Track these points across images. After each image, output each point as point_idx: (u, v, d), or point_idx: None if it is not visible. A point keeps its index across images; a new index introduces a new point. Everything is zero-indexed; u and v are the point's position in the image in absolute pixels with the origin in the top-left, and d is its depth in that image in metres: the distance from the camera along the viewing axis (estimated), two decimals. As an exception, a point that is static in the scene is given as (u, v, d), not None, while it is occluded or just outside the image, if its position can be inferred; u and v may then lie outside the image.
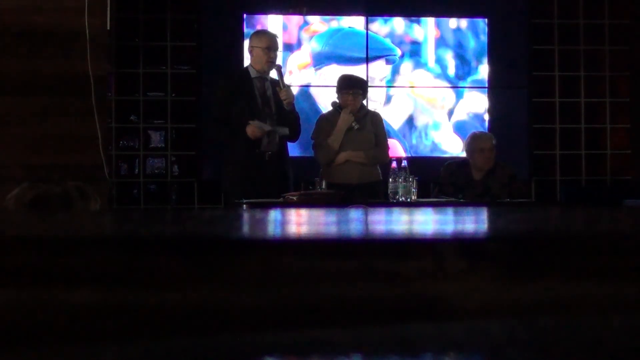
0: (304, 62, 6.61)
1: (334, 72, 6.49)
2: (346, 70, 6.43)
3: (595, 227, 0.82)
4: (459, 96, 6.75)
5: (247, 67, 5.10)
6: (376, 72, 6.64)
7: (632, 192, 6.15)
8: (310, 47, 6.60)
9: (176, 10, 6.49)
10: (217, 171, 5.73)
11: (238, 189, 4.84)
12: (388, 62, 6.67)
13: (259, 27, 6.46)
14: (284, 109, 4.95)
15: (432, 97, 6.73)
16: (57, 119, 5.03)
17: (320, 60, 6.60)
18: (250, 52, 5.05)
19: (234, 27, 6.47)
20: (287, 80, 5.38)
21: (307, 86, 6.56)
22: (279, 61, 5.15)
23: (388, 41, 6.69)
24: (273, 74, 5.05)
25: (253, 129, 4.81)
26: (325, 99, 6.47)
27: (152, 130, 6.49)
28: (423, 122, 6.71)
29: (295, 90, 6.57)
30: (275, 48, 5.02)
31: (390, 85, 6.69)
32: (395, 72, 6.69)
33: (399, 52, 6.68)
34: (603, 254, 0.59)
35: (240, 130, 4.83)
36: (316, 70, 6.58)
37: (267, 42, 4.98)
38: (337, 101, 5.19)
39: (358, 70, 6.43)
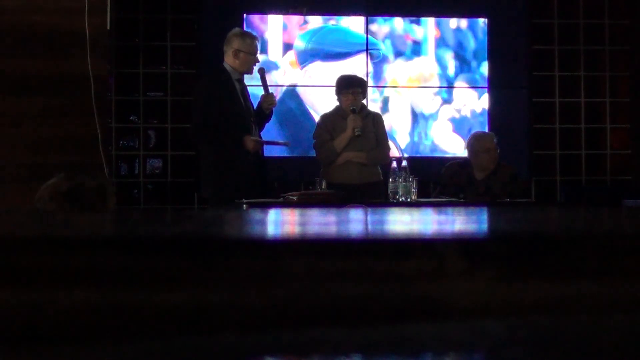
0: (290, 58, 6.61)
1: (320, 69, 6.49)
2: (332, 66, 6.44)
3: (595, 227, 0.82)
4: (459, 96, 6.75)
5: (224, 68, 4.93)
6: (359, 67, 6.62)
7: (632, 192, 6.15)
8: (295, 45, 6.60)
9: (176, 10, 6.49)
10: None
11: (223, 189, 4.79)
12: (372, 57, 6.67)
13: (259, 28, 6.47)
14: (260, 109, 4.97)
15: (431, 97, 6.73)
16: (57, 119, 5.04)
17: (305, 58, 6.59)
18: (235, 54, 4.94)
19: (234, 27, 6.48)
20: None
21: (294, 86, 6.55)
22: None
23: (372, 37, 6.68)
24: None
25: (254, 143, 4.78)
26: (313, 98, 6.47)
27: (152, 130, 6.49)
28: (423, 122, 6.71)
29: (281, 91, 6.57)
30: (258, 52, 5.03)
31: (390, 85, 6.69)
32: (395, 71, 6.69)
33: (382, 47, 6.68)
34: (603, 254, 0.59)
35: (230, 132, 4.79)
36: (302, 68, 6.57)
37: (254, 48, 4.94)
38: (341, 104, 5.18)
39: (343, 66, 6.43)
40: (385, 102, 6.67)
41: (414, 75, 6.72)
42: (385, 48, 6.69)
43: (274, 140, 5.14)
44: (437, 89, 6.73)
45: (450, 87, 6.73)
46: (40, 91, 5.02)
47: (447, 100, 6.73)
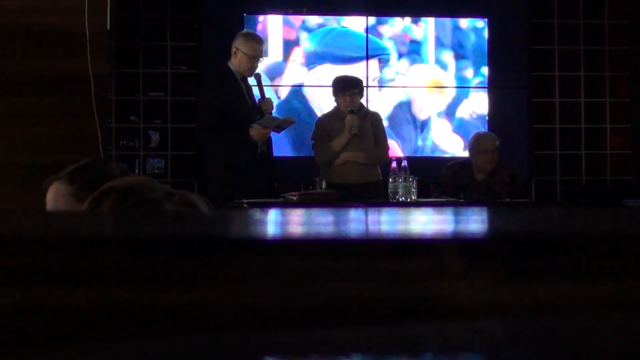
0: (296, 59, 6.60)
1: (328, 71, 6.49)
2: (340, 69, 6.43)
3: (595, 227, 0.82)
4: (459, 96, 6.75)
5: (228, 67, 4.94)
6: (369, 71, 6.64)
7: (632, 192, 6.15)
8: (303, 46, 6.60)
9: (176, 10, 6.49)
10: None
11: (231, 189, 4.79)
12: (381, 61, 6.67)
13: (259, 27, 6.46)
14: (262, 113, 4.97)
15: (432, 97, 6.73)
16: (57, 119, 5.03)
17: (314, 59, 6.59)
18: (234, 53, 4.92)
19: (234, 27, 6.47)
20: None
21: (300, 86, 6.55)
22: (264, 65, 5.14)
23: (381, 41, 6.68)
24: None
25: (258, 132, 4.77)
26: (319, 99, 6.47)
27: (152, 130, 6.49)
28: (423, 122, 6.71)
29: (287, 90, 6.58)
30: (260, 57, 4.95)
31: (390, 85, 6.69)
32: (395, 72, 6.69)
33: (392, 51, 6.68)
34: (603, 254, 0.59)
35: (237, 131, 4.79)
36: (310, 69, 6.57)
37: (253, 52, 4.89)
38: (339, 106, 5.18)
39: (353, 70, 6.43)
40: (386, 102, 6.66)
41: (414, 75, 6.71)
42: (393, 51, 6.69)
43: (278, 121, 4.95)
44: (437, 89, 6.73)
45: (450, 87, 6.73)
46: (40, 91, 5.02)
47: (447, 101, 6.73)
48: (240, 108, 4.85)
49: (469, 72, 6.75)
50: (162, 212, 1.55)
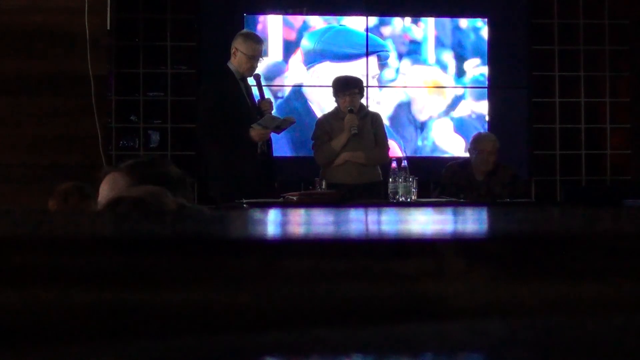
0: (296, 58, 6.60)
1: (328, 69, 6.49)
2: (340, 67, 6.44)
3: (595, 227, 0.82)
4: (459, 96, 6.75)
5: (228, 67, 4.94)
6: (369, 69, 6.64)
7: (632, 192, 6.15)
8: (302, 45, 6.60)
9: (176, 10, 6.49)
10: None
11: (231, 189, 4.80)
12: (380, 58, 6.67)
13: (259, 27, 6.46)
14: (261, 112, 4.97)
15: (432, 97, 6.73)
16: (57, 119, 5.04)
17: (314, 58, 6.59)
18: (234, 53, 4.92)
19: (234, 27, 6.47)
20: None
21: (300, 86, 6.55)
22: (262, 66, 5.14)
23: (380, 38, 6.68)
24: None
25: (259, 133, 4.77)
26: (319, 98, 6.47)
27: (152, 130, 6.49)
28: (423, 123, 6.71)
29: (287, 90, 6.58)
30: (259, 57, 4.95)
31: (390, 85, 6.69)
32: (395, 71, 6.69)
33: (391, 50, 6.68)
34: (603, 254, 0.59)
35: (238, 131, 4.79)
36: (309, 68, 6.57)
37: (252, 51, 4.89)
38: (339, 106, 5.18)
39: (352, 67, 6.43)
40: (386, 102, 6.67)
41: (414, 76, 6.71)
42: (392, 49, 6.69)
43: (278, 121, 4.96)
44: (437, 89, 6.73)
45: (450, 87, 6.73)
46: (40, 91, 5.02)
47: (447, 101, 6.73)
48: (240, 108, 4.85)
49: (469, 72, 6.75)
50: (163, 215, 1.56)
